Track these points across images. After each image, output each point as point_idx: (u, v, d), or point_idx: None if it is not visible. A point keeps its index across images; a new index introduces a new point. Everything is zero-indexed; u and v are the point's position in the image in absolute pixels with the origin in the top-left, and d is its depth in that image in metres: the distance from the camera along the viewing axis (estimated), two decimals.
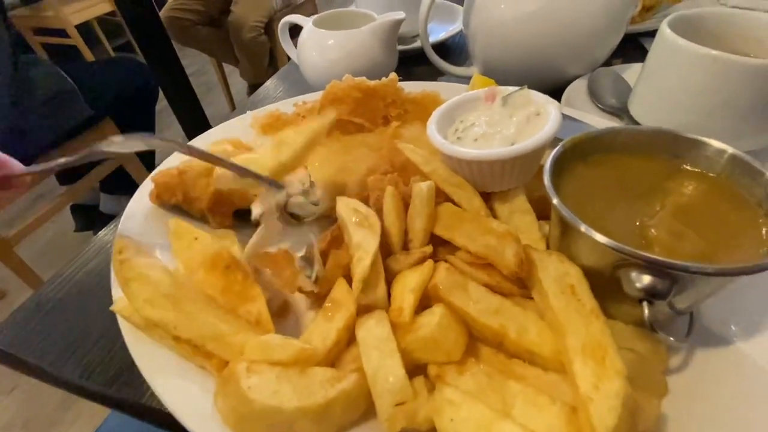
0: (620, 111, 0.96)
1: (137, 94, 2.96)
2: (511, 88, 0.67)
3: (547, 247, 0.56)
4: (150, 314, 0.50)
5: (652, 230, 0.46)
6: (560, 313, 0.44)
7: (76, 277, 0.79)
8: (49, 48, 4.70)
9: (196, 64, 5.21)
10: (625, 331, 0.47)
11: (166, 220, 0.63)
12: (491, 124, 0.63)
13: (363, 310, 0.54)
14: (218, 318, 0.51)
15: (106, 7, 4.73)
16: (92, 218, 3.17)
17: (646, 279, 0.41)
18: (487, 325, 0.48)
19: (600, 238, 0.42)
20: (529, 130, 0.61)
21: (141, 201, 0.72)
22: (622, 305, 0.49)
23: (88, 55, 4.66)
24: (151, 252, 0.55)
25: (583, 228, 0.44)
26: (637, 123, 0.90)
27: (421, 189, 0.60)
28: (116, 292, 0.56)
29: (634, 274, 0.42)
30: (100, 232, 0.87)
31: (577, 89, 1.03)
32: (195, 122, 3.92)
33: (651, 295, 0.41)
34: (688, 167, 0.52)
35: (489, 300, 0.50)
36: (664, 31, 0.80)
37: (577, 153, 0.54)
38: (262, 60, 3.95)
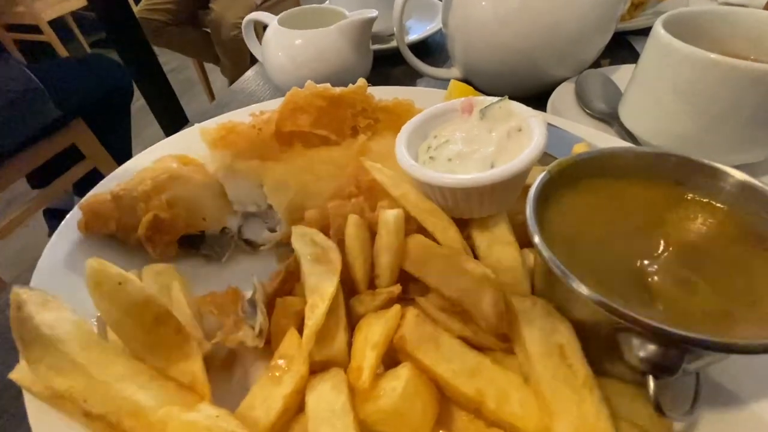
0: (610, 117, 0.88)
1: (112, 93, 2.82)
2: (489, 99, 0.59)
3: (532, 288, 0.48)
4: (55, 384, 0.41)
5: (655, 277, 0.38)
6: (547, 387, 0.36)
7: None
8: (23, 45, 4.49)
9: (175, 60, 5.04)
10: (622, 395, 0.40)
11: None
12: (468, 140, 0.55)
13: (319, 366, 0.46)
14: (139, 386, 0.42)
15: (81, 2, 4.54)
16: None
17: (652, 350, 0.33)
18: (462, 390, 0.40)
19: (592, 295, 0.34)
20: (511, 148, 0.53)
21: (66, 235, 0.62)
22: (617, 361, 0.41)
23: (63, 52, 4.47)
24: (60, 303, 0.45)
25: (573, 284, 0.36)
26: (627, 130, 0.83)
27: (387, 218, 0.51)
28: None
29: (636, 342, 0.34)
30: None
31: (564, 93, 0.96)
32: (174, 122, 3.79)
33: (658, 369, 0.33)
34: (693, 196, 0.45)
35: (464, 358, 0.42)
36: (659, 31, 0.73)
37: (565, 178, 0.46)
38: (244, 58, 3.82)
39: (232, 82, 4.10)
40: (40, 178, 2.69)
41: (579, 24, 0.89)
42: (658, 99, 0.75)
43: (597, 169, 0.48)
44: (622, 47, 1.21)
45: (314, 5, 1.11)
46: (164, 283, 0.56)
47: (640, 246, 0.41)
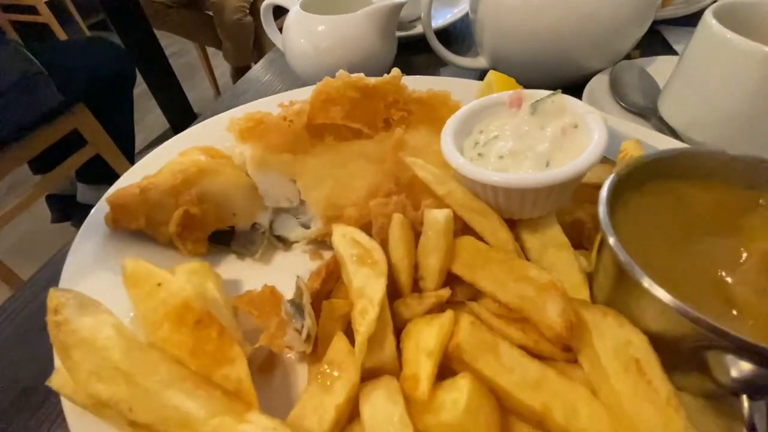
0: (647, 111, 0.85)
1: (113, 77, 2.76)
2: (540, 92, 0.56)
3: (590, 293, 0.46)
4: (97, 391, 0.39)
5: (737, 288, 0.36)
6: (627, 402, 0.34)
7: (26, 310, 0.67)
8: (19, 26, 4.39)
9: (176, 44, 4.93)
10: (694, 410, 0.38)
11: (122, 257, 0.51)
12: (519, 136, 0.53)
13: (367, 373, 0.44)
14: (187, 394, 0.40)
15: None
16: (69, 209, 3.01)
17: (749, 369, 0.31)
18: (527, 403, 0.38)
19: (686, 310, 0.32)
20: (567, 146, 0.51)
21: (93, 231, 0.60)
22: (683, 374, 0.39)
23: (61, 34, 4.37)
24: (98, 306, 0.43)
25: (661, 296, 0.33)
26: (667, 125, 0.80)
27: (437, 218, 0.49)
28: (58, 361, 0.45)
29: (730, 360, 0.32)
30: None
31: (598, 86, 0.92)
32: (177, 107, 3.73)
33: (754, 389, 0.31)
34: (765, 202, 0.42)
35: (526, 368, 0.40)
36: (709, 22, 0.70)
37: (632, 180, 0.44)
38: (247, 42, 3.74)
39: (234, 67, 4.02)
40: (42, 163, 2.65)
41: (616, 13, 0.85)
42: (705, 92, 0.72)
43: (662, 170, 0.45)
44: (653, 38, 1.17)
45: None
46: (199, 282, 0.53)
47: (718, 254, 0.39)
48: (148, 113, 4.08)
